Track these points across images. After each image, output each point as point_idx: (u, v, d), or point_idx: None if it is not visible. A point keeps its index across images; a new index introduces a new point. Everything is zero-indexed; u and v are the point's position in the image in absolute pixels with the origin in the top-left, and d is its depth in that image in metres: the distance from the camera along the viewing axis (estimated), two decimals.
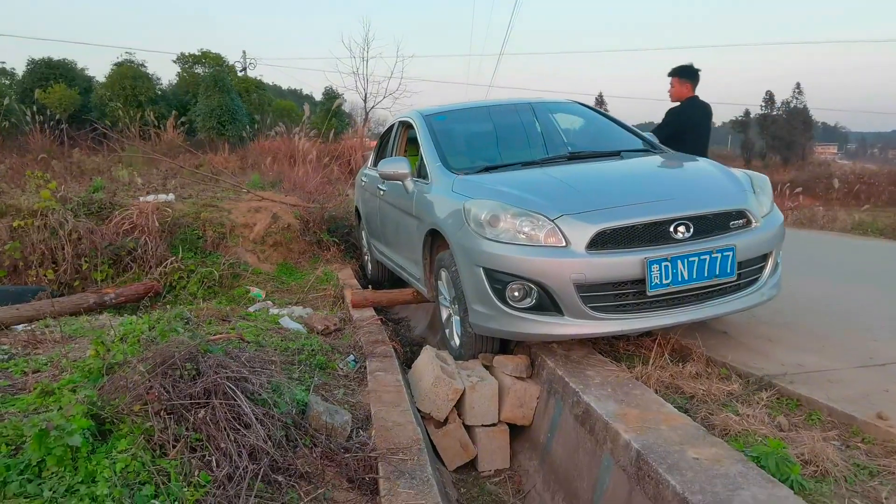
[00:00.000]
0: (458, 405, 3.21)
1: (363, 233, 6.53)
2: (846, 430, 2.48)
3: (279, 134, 21.34)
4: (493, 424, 3.24)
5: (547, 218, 3.06)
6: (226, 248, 5.91)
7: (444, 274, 3.78)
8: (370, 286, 5.15)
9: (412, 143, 5.51)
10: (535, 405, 3.25)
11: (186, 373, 2.26)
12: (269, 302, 5.36)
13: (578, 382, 2.90)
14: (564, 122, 4.92)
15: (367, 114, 28.46)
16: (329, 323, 4.27)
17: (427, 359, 3.42)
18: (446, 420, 3.19)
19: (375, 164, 6.20)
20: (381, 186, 5.16)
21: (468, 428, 3.22)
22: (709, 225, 3.08)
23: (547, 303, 3.05)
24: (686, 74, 5.08)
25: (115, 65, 23.59)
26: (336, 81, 51.62)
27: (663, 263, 2.93)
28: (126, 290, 4.89)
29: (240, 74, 30.33)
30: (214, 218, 6.06)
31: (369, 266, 6.47)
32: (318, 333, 4.17)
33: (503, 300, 3.13)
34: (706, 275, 3.01)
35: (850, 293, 4.40)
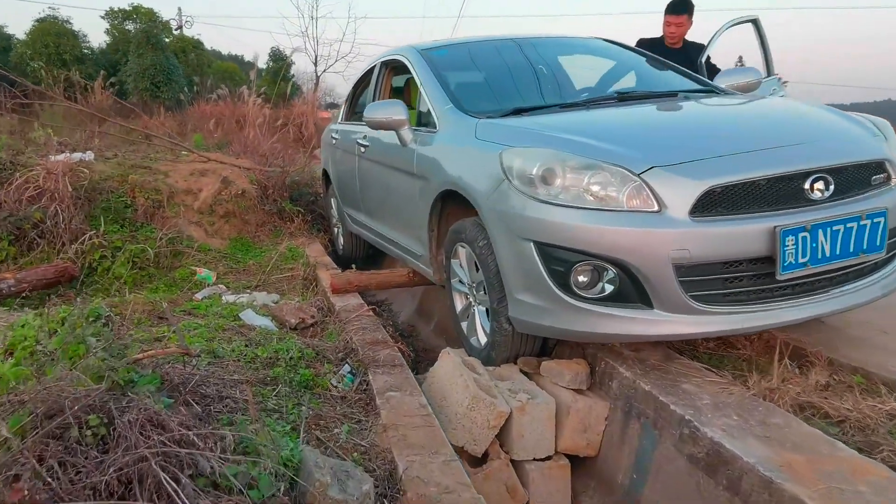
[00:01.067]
0: (501, 432, 2.31)
1: (333, 201, 5.49)
2: None
3: (222, 97, 19.65)
4: (548, 457, 2.35)
5: (629, 171, 2.15)
6: (163, 220, 4.78)
7: (462, 250, 2.84)
8: (353, 266, 4.15)
9: (397, 93, 4.51)
10: (602, 429, 2.38)
11: (90, 436, 1.27)
12: (221, 286, 4.31)
13: (683, 404, 2.04)
14: (588, 63, 3.99)
15: (317, 77, 26.85)
16: (304, 315, 3.28)
17: (451, 367, 2.50)
18: (485, 455, 2.29)
19: (348, 117, 5.17)
20: (360, 142, 4.14)
21: (515, 463, 2.33)
22: (849, 181, 2.24)
23: (630, 291, 2.16)
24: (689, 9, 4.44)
25: (37, 21, 21.40)
26: (284, 43, 48.95)
27: (800, 234, 2.07)
28: (30, 275, 3.74)
29: (175, 33, 28.14)
30: (147, 182, 4.89)
31: (341, 240, 5.45)
32: (291, 329, 3.18)
33: (565, 287, 2.22)
34: (851, 250, 2.17)
35: None
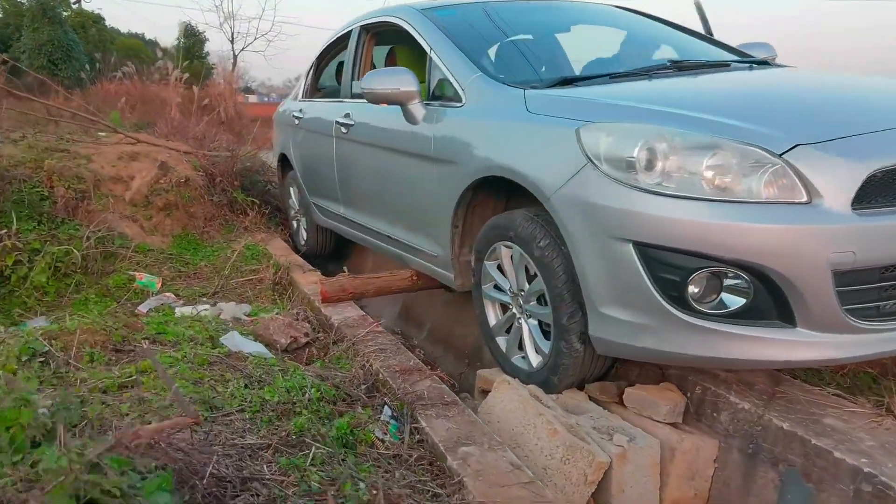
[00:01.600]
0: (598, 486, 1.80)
1: (293, 189, 4.78)
2: None
3: (128, 75, 17.93)
4: None
5: (766, 151, 1.68)
6: (89, 215, 3.92)
7: (505, 251, 2.30)
8: (342, 269, 3.51)
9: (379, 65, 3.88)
10: (711, 474, 1.93)
11: None
12: (168, 295, 3.56)
13: (847, 450, 1.60)
14: (605, 35, 3.52)
15: (235, 57, 25.21)
16: (297, 333, 2.64)
17: (519, 404, 1.96)
18: None
19: (311, 94, 4.48)
20: (341, 121, 3.49)
21: None
22: None
23: (767, 305, 1.70)
24: None
25: None
26: (196, 18, 45.81)
27: None
28: None
29: (74, 6, 25.73)
30: (66, 169, 4.00)
31: (303, 234, 4.77)
32: (282, 351, 2.54)
33: (679, 301, 1.74)
34: None
35: None
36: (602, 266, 1.86)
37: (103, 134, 5.46)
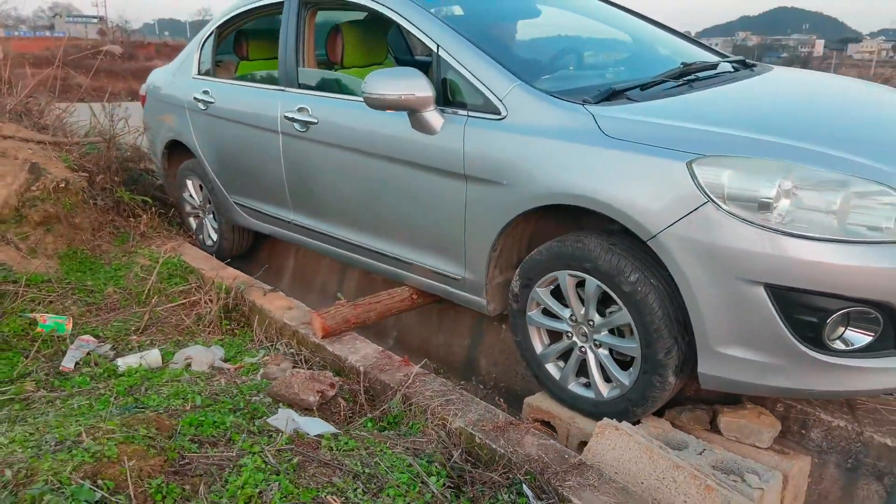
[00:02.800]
0: None
1: (190, 182, 4.07)
2: None
3: None
4: None
5: (894, 189, 1.74)
6: None
7: (569, 280, 2.17)
8: (262, 269, 3.09)
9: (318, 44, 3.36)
10: (805, 488, 2.04)
11: None
12: (88, 338, 2.85)
13: None
14: (575, 18, 3.40)
15: None
16: (322, 386, 2.26)
17: (638, 451, 1.88)
18: None
19: (209, 71, 3.81)
20: (294, 117, 2.99)
21: None
22: None
23: (891, 337, 1.79)
24: None
25: None
26: None
27: None
28: None
29: None
30: None
31: (210, 234, 4.12)
32: (315, 410, 2.17)
33: (815, 342, 1.77)
34: None
35: None
36: (725, 307, 1.82)
37: None
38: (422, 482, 1.66)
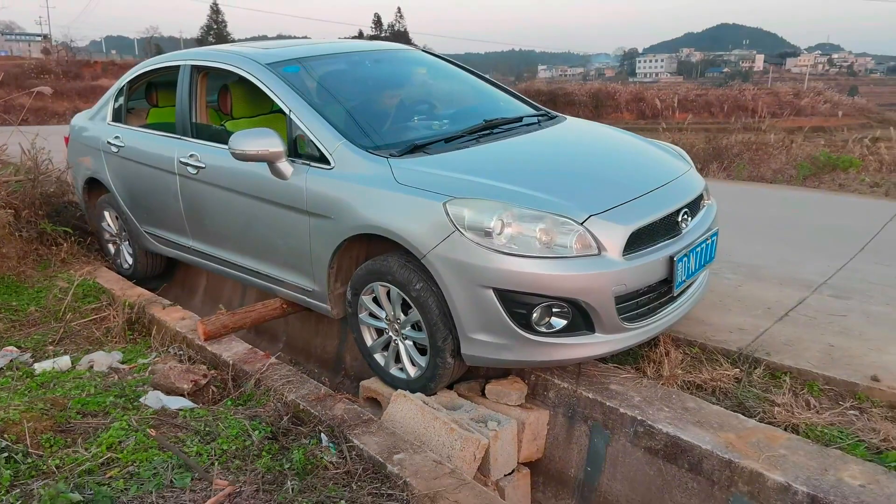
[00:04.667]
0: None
1: (107, 213, 4.69)
2: (853, 398, 2.76)
3: None
4: (513, 471, 2.71)
5: (574, 221, 2.53)
6: None
7: (382, 290, 2.91)
8: (164, 287, 3.74)
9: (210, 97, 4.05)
10: (545, 433, 2.82)
11: None
12: (11, 349, 3.46)
13: (627, 405, 2.58)
14: (419, 73, 4.19)
15: None
16: (196, 376, 2.94)
17: (416, 410, 2.62)
18: None
19: (119, 118, 4.45)
20: (189, 162, 3.67)
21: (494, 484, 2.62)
22: (694, 209, 2.99)
23: (579, 322, 2.59)
24: None
25: None
26: None
27: (684, 258, 2.75)
28: None
29: None
30: None
31: (127, 258, 4.73)
32: (187, 396, 2.84)
33: (526, 326, 2.54)
34: (702, 263, 2.94)
35: None
36: (471, 305, 2.58)
37: None
38: (247, 434, 2.36)
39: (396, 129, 3.37)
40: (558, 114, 3.91)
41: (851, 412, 2.66)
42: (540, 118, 3.71)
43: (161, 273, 4.84)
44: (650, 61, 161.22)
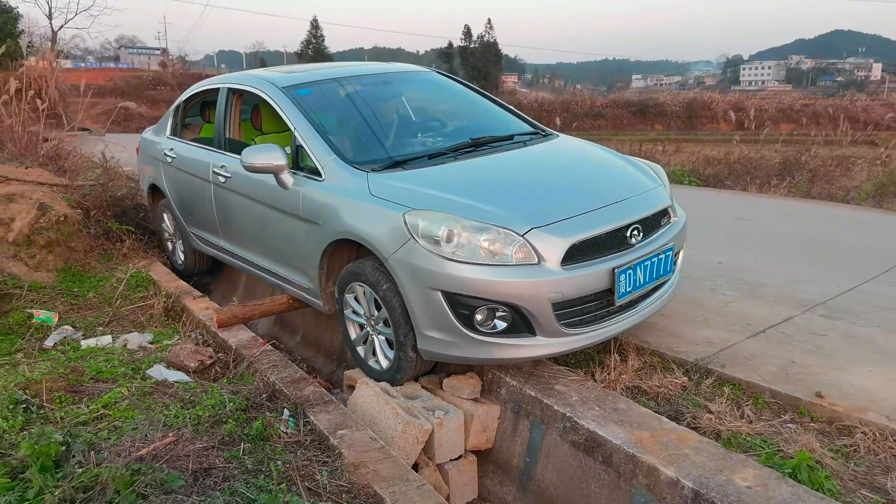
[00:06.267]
0: (425, 443, 2.87)
1: (166, 215, 5.35)
2: (795, 412, 2.84)
3: None
4: (460, 456, 2.99)
5: (515, 232, 2.80)
6: None
7: (359, 288, 3.27)
8: (215, 284, 4.26)
9: (243, 114, 4.59)
10: (496, 426, 3.08)
11: None
12: (67, 328, 4.10)
13: (562, 404, 2.80)
14: (428, 94, 4.55)
15: (54, 33, 23.17)
16: (202, 357, 3.43)
17: (373, 397, 2.97)
18: (415, 465, 2.84)
19: (178, 132, 5.07)
20: (219, 171, 4.21)
21: (437, 466, 2.92)
22: (651, 226, 3.16)
23: (520, 325, 2.84)
24: None
25: None
26: None
27: (627, 271, 2.93)
28: None
29: None
30: None
31: (180, 255, 5.37)
32: (193, 374, 3.32)
33: (469, 326, 2.83)
34: (654, 276, 3.10)
35: None
36: (424, 305, 2.89)
37: None
38: (223, 405, 2.79)
39: (385, 146, 3.73)
40: (553, 132, 4.15)
41: (789, 425, 2.75)
42: (532, 136, 3.97)
43: (208, 270, 5.45)
44: (756, 69, 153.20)
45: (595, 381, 3.04)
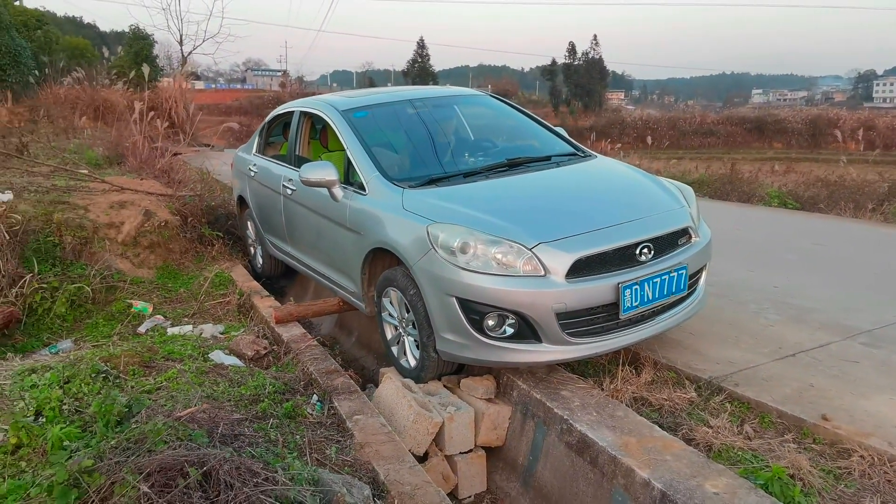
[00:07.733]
0: (437, 436, 3.15)
1: (250, 223, 5.99)
2: (798, 433, 2.86)
3: (78, 80, 18.55)
4: (470, 450, 3.24)
5: (524, 246, 3.03)
6: (91, 256, 5.07)
7: (393, 293, 3.62)
8: (292, 287, 4.76)
9: (312, 132, 5.11)
10: (507, 426, 3.30)
11: (195, 490, 1.94)
12: (159, 317, 4.75)
13: (562, 408, 2.99)
14: (477, 116, 4.87)
15: (184, 58, 25.68)
16: (258, 347, 3.91)
17: (394, 390, 3.29)
18: (426, 454, 3.12)
19: (262, 150, 5.68)
20: (287, 185, 4.74)
21: (447, 457, 3.19)
22: (665, 244, 3.28)
23: (526, 331, 3.06)
24: None
25: None
26: (141, 17, 45.26)
27: (634, 287, 3.08)
28: None
29: (16, 4, 25.55)
30: (71, 219, 5.12)
31: (259, 259, 5.99)
32: (249, 361, 3.80)
33: (480, 330, 3.09)
34: (665, 293, 3.22)
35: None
36: (441, 310, 3.19)
37: (84, 171, 6.52)
38: (263, 387, 3.22)
39: (426, 164, 4.07)
40: (592, 153, 4.33)
41: (790, 444, 2.78)
42: (571, 157, 4.18)
43: (283, 273, 6.03)
44: (891, 84, 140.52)
45: (602, 389, 3.19)
